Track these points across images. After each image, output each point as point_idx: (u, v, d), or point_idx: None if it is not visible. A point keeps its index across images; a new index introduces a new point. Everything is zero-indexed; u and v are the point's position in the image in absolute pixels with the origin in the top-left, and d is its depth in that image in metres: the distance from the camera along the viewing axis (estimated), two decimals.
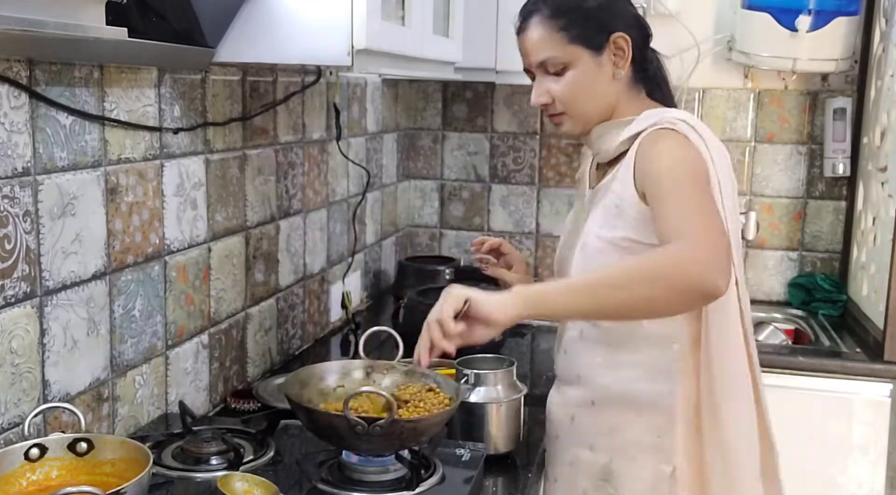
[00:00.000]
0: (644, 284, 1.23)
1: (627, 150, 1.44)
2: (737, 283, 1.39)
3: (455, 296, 1.28)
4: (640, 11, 2.63)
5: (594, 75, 1.47)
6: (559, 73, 1.47)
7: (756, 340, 2.64)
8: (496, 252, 1.79)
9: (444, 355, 1.31)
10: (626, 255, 1.41)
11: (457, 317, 1.27)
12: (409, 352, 1.57)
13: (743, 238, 1.60)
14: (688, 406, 1.44)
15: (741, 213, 1.75)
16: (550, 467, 1.66)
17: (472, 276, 2.76)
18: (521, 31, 1.52)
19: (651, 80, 1.53)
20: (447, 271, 2.74)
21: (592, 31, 1.45)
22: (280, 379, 1.79)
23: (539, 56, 1.48)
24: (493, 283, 1.80)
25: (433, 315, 1.29)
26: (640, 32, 1.50)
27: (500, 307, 1.26)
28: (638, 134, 1.42)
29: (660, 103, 1.53)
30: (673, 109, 1.48)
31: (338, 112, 2.31)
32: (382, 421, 1.30)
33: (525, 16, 1.51)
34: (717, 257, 1.22)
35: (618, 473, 1.51)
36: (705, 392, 1.42)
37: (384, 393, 1.34)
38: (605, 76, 1.47)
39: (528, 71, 1.54)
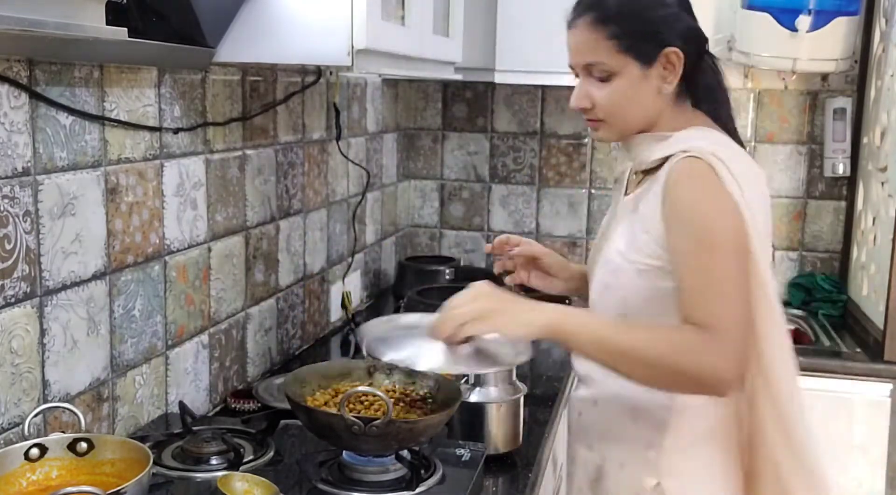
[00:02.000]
0: (662, 373, 1.27)
1: (661, 166, 1.40)
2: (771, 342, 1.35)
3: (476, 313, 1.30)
4: None
5: (640, 88, 1.40)
6: (604, 80, 1.40)
7: None
8: (526, 259, 1.67)
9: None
10: (641, 278, 1.40)
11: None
12: None
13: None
14: (680, 420, 1.41)
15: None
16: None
17: (471, 277, 2.77)
18: (572, 26, 1.43)
19: (702, 90, 1.46)
20: (447, 271, 2.74)
21: (645, 43, 1.38)
22: (280, 379, 1.79)
23: (586, 58, 1.41)
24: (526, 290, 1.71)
25: (458, 315, 1.31)
26: (696, 46, 1.42)
27: (525, 331, 1.30)
28: (670, 155, 1.37)
29: (707, 114, 1.46)
30: (710, 136, 1.40)
31: (338, 112, 2.31)
32: (379, 421, 1.30)
33: (579, 12, 1.42)
34: (734, 362, 1.24)
35: (607, 476, 1.49)
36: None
37: (380, 393, 1.34)
38: (651, 90, 1.41)
39: (572, 67, 1.47)
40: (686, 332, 1.27)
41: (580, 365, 1.56)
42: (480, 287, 1.32)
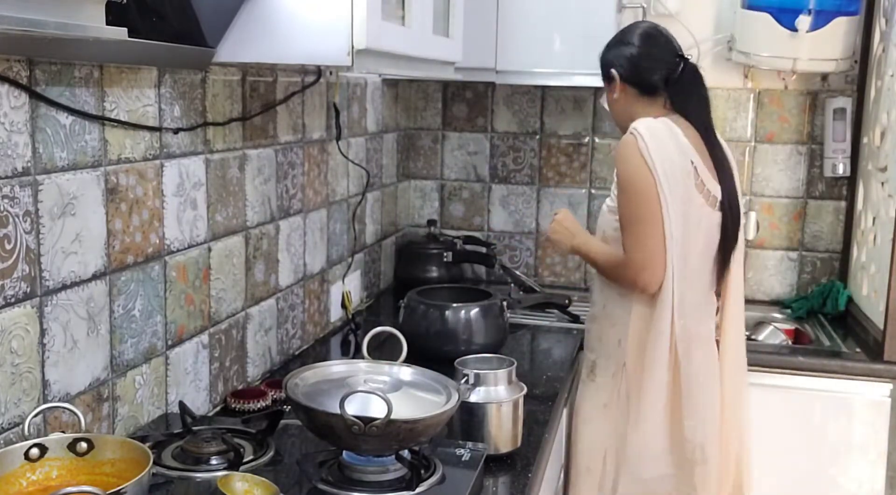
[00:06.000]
0: (610, 278, 2.10)
1: None
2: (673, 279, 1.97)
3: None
4: (641, 12, 2.68)
5: (610, 96, 2.15)
6: None
7: (756, 340, 2.68)
8: None
9: None
10: (611, 217, 2.09)
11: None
12: (412, 353, 1.57)
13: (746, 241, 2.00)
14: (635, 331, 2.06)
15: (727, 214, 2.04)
16: None
17: (468, 258, 2.96)
18: None
19: (674, 92, 2.05)
20: (445, 254, 2.88)
21: (603, 71, 2.15)
22: (316, 377, 1.69)
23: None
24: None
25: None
26: (636, 66, 2.07)
27: (565, 250, 2.24)
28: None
29: (675, 109, 2.05)
30: (653, 121, 1.99)
31: (338, 112, 2.31)
32: (378, 421, 1.30)
33: None
34: (640, 276, 1.98)
35: (598, 367, 2.17)
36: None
37: (380, 394, 1.34)
38: (614, 96, 2.14)
39: None
40: (618, 256, 2.03)
41: (592, 290, 2.26)
42: (562, 218, 2.20)
